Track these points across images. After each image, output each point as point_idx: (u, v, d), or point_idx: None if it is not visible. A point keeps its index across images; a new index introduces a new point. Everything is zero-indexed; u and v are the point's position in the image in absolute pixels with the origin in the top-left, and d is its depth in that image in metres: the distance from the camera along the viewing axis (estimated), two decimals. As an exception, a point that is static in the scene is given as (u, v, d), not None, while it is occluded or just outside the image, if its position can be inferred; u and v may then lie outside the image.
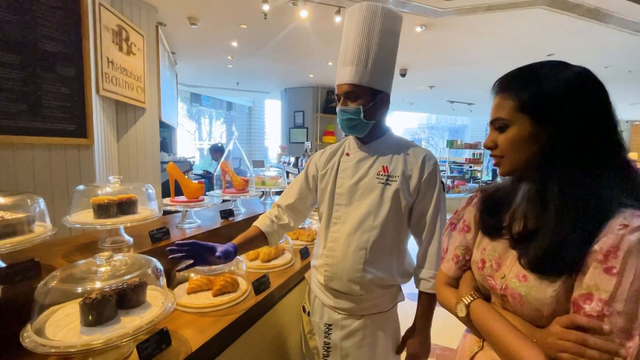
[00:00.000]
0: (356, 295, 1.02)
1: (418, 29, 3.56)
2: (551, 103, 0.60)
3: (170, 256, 0.91)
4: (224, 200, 2.01)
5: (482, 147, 8.03)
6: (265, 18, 3.30)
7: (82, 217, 1.18)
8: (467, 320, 0.72)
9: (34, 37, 1.91)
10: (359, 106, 0.97)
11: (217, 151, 4.82)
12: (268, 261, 1.53)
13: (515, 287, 0.63)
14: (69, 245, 1.19)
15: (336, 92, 1.02)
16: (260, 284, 1.26)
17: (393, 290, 1.09)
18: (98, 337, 0.73)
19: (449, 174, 8.62)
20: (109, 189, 1.24)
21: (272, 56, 4.84)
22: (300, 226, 1.97)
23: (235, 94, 9.21)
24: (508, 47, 4.09)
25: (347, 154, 1.09)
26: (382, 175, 1.01)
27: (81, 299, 0.77)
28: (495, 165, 0.71)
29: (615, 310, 0.50)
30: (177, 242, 0.92)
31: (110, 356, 0.81)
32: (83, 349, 0.70)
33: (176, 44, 4.40)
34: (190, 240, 0.94)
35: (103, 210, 1.19)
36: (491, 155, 0.71)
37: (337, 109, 1.02)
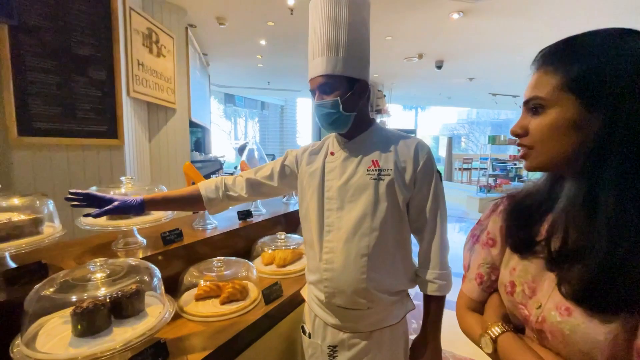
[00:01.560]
0: (363, 309, 0.90)
1: (455, 16, 3.30)
2: (609, 82, 0.45)
3: (70, 204, 0.92)
4: (243, 201, 1.96)
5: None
6: (291, 14, 3.24)
7: (95, 219, 1.18)
8: (495, 356, 0.58)
9: (68, 42, 2.00)
10: (336, 98, 0.87)
11: (244, 151, 4.89)
12: (283, 266, 1.46)
13: (555, 323, 0.49)
14: (83, 246, 1.20)
15: (310, 88, 0.92)
16: (271, 292, 1.18)
17: (402, 298, 0.97)
18: (84, 350, 0.69)
19: (490, 172, 8.04)
20: (122, 189, 1.23)
21: (300, 53, 4.78)
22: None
23: (267, 93, 9.34)
24: (558, 29, 3.67)
25: (332, 153, 0.97)
26: (372, 170, 0.90)
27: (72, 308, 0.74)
28: (521, 157, 0.56)
29: None
30: (71, 190, 0.93)
31: (103, 368, 0.77)
32: (68, 363, 0.66)
33: (207, 45, 4.49)
34: (84, 192, 0.94)
35: (115, 211, 1.18)
36: (518, 145, 0.56)
37: (314, 104, 0.91)
